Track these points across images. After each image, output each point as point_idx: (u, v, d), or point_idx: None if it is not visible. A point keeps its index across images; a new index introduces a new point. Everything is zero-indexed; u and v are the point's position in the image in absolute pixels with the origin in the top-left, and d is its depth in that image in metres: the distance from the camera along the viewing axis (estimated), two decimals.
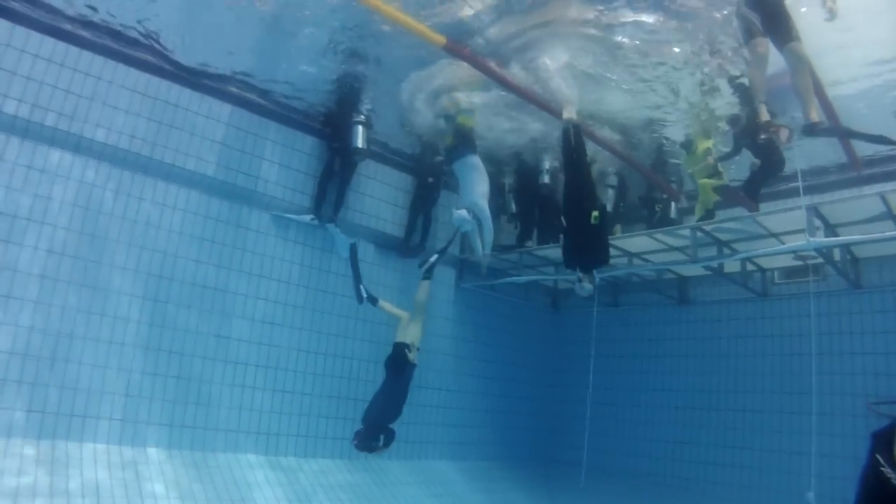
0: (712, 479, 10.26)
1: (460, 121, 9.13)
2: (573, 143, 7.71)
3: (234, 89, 8.50)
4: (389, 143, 10.13)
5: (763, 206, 8.71)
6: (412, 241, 10.08)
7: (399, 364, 7.87)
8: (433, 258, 8.66)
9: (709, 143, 9.11)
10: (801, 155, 8.01)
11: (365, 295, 8.57)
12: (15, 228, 6.75)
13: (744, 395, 10.27)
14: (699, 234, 8.53)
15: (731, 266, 9.81)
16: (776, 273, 10.44)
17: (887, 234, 7.51)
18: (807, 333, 9.53)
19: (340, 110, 9.06)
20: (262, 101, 8.77)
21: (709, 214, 9.21)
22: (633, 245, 9.50)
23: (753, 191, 8.66)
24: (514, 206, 11.11)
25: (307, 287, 9.05)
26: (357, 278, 8.74)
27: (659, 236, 8.99)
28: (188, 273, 7.95)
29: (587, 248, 7.23)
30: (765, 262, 10.02)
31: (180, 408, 7.68)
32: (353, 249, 8.96)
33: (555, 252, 10.23)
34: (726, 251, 8.98)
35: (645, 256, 9.88)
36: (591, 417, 9.64)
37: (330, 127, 9.08)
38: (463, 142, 9.01)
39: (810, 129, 6.38)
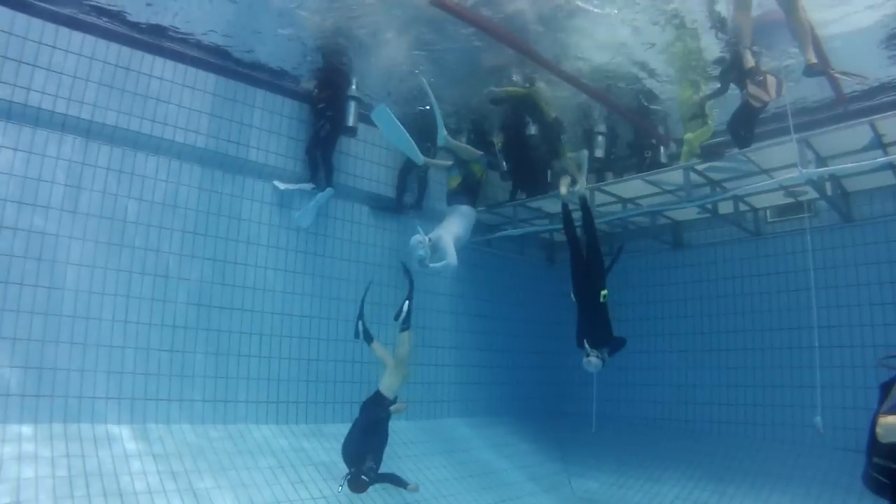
0: (717, 418, 10.45)
1: (473, 168, 9.33)
2: (586, 221, 8.24)
3: (214, 59, 8.39)
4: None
5: (754, 146, 8.74)
6: (405, 201, 10.11)
7: (372, 410, 7.60)
8: (405, 307, 8.31)
9: (692, 90, 9.09)
10: (788, 93, 8.01)
11: (361, 331, 8.38)
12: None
13: (744, 334, 10.42)
14: (692, 174, 8.58)
15: (724, 207, 9.89)
16: (768, 212, 10.55)
17: (878, 160, 7.60)
18: (802, 269, 9.67)
19: (334, 78, 9.03)
20: (245, 70, 8.66)
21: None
22: (627, 190, 9.55)
23: (740, 136, 8.62)
24: (504, 164, 11.11)
25: (305, 252, 9.06)
26: (360, 314, 8.55)
27: (652, 178, 9.03)
28: (186, 246, 7.93)
29: (597, 325, 7.59)
30: (757, 202, 10.11)
31: (185, 382, 7.72)
32: (366, 289, 8.91)
33: (548, 203, 10.31)
34: (719, 191, 9.03)
35: (638, 202, 9.93)
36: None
37: (325, 93, 8.98)
38: (466, 191, 9.20)
39: (809, 71, 6.41)
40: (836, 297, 9.44)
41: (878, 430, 4.01)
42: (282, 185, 8.77)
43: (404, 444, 7.66)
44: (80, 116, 7.15)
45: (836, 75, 7.48)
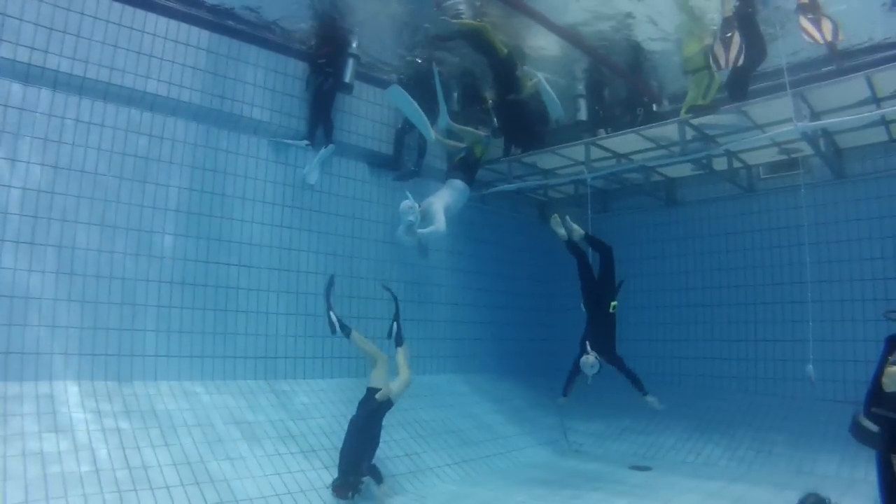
0: (710, 372, 10.66)
1: (474, 148, 9.32)
2: (594, 247, 8.39)
3: (209, 16, 8.30)
4: (378, 61, 10.04)
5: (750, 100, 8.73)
6: (402, 159, 10.16)
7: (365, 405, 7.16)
8: (394, 327, 8.06)
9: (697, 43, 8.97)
10: (783, 45, 8.02)
11: (337, 325, 7.77)
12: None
13: (736, 290, 10.57)
14: (687, 128, 8.60)
15: (718, 164, 9.94)
16: (761, 169, 10.60)
17: (874, 112, 7.64)
18: (794, 225, 9.79)
19: (334, 34, 9.00)
20: (239, 26, 8.57)
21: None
22: (622, 145, 9.56)
23: (737, 87, 8.60)
24: (495, 121, 11.12)
25: (301, 209, 9.07)
26: (329, 306, 7.99)
27: (647, 133, 9.04)
28: (182, 202, 7.92)
29: (603, 334, 7.89)
30: (750, 159, 10.15)
31: (172, 337, 7.74)
32: (330, 281, 8.32)
33: (541, 159, 10.33)
34: (713, 146, 9.06)
35: (633, 157, 9.95)
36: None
37: (325, 49, 9.00)
38: (464, 168, 9.18)
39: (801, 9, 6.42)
40: (828, 252, 9.56)
41: (885, 379, 4.16)
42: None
43: (404, 398, 7.70)
44: (72, 73, 7.08)
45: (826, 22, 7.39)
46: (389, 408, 7.22)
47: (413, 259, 8.96)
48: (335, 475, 6.69)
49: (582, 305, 8.26)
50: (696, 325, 10.95)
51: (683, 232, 11.38)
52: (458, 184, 8.93)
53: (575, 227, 8.40)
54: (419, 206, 8.09)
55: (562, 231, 8.43)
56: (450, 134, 9.81)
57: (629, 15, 8.64)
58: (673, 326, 11.27)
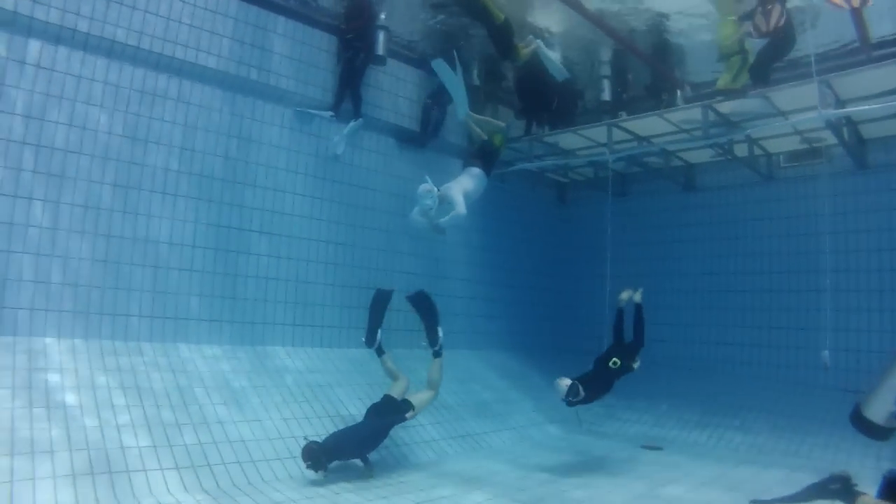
0: (723, 358, 10.72)
1: (493, 138, 8.91)
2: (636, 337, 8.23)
3: None
4: (404, 39, 10.14)
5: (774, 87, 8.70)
6: (427, 133, 10.24)
7: (388, 416, 6.87)
8: (440, 333, 7.67)
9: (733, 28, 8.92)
10: (812, 36, 7.98)
11: (377, 342, 7.50)
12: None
13: (752, 277, 10.58)
14: (710, 112, 8.60)
15: (739, 151, 9.94)
16: (782, 157, 10.58)
17: None
18: (813, 214, 9.78)
19: (361, 8, 9.02)
20: None
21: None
22: (643, 128, 9.58)
23: (762, 71, 8.58)
24: (518, 102, 11.16)
25: (324, 179, 9.16)
26: (379, 322, 7.63)
27: (669, 116, 9.05)
28: (206, 167, 8.00)
29: (601, 386, 7.51)
30: (771, 146, 10.16)
31: (216, 301, 7.91)
32: (387, 296, 7.91)
33: (562, 139, 10.36)
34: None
35: (654, 141, 9.97)
36: (607, 306, 9.96)
37: (354, 24, 9.01)
38: (484, 157, 8.71)
39: None
40: (846, 242, 9.54)
41: None
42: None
43: (421, 372, 7.76)
44: (102, 36, 7.13)
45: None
46: (403, 421, 7.01)
47: (430, 234, 8.98)
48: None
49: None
50: (711, 311, 10.99)
51: (701, 217, 11.38)
52: (478, 171, 8.53)
53: (636, 295, 8.39)
54: (438, 190, 7.77)
55: (625, 296, 8.40)
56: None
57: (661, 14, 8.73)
58: (688, 311, 11.31)
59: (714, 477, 7.21)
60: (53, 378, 6.11)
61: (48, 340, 6.51)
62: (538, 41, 9.05)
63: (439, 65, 8.43)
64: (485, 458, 7.92)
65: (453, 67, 8.35)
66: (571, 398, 7.15)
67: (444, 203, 7.70)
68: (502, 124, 9.41)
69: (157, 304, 7.44)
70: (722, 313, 10.89)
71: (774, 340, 10.20)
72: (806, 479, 5.15)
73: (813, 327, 9.39)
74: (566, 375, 7.32)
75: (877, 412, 4.42)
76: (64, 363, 6.33)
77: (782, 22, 7.69)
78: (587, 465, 7.78)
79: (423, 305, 7.83)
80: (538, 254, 12.56)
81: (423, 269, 9.85)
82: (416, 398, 7.16)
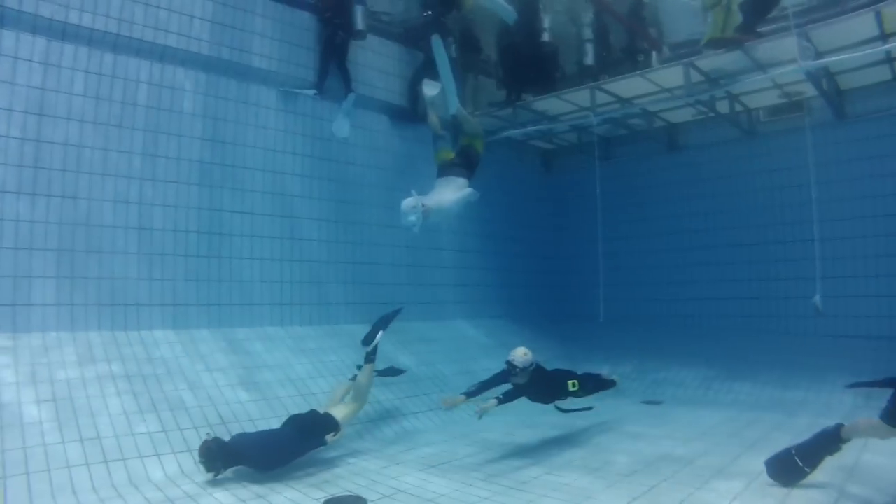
0: (716, 312, 10.89)
1: (475, 143, 8.34)
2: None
3: None
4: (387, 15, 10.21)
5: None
6: (419, 109, 10.06)
7: (308, 434, 6.10)
8: (377, 336, 7.24)
9: None
10: None
11: (373, 347, 7.11)
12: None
13: (739, 231, 10.72)
14: (692, 70, 8.67)
15: (720, 108, 10.03)
16: (762, 112, 10.70)
17: (882, 47, 7.70)
18: (795, 167, 9.90)
19: None
20: None
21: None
22: (626, 90, 9.64)
23: (751, 23, 8.47)
24: (501, 72, 11.20)
25: (312, 157, 9.17)
26: (382, 329, 7.37)
27: (651, 77, 9.12)
28: (194, 152, 7.98)
29: (545, 389, 6.92)
30: (751, 102, 10.28)
31: (206, 286, 7.91)
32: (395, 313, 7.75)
33: (548, 105, 10.40)
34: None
35: (635, 102, 10.04)
36: (598, 269, 10.14)
37: (329, 2, 9.01)
38: (465, 164, 8.10)
39: None
40: (829, 191, 9.67)
41: None
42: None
43: (421, 342, 7.85)
44: (80, 24, 7.06)
45: None
46: (324, 445, 6.26)
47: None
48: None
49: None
50: (701, 267, 11.15)
51: (685, 176, 11.49)
52: (462, 182, 7.94)
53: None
54: (423, 204, 7.04)
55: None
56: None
57: None
58: (675, 269, 11.47)
59: (721, 421, 7.57)
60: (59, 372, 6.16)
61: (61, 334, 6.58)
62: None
63: (437, 43, 8.33)
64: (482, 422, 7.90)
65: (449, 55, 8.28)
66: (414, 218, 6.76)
67: (430, 217, 7.19)
68: (481, 128, 8.87)
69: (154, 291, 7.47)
70: (710, 269, 11.05)
71: (763, 292, 10.37)
72: (805, 423, 5.27)
73: (801, 277, 9.54)
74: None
75: None
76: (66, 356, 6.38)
77: None
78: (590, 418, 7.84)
79: (387, 316, 7.63)
80: (528, 221, 12.69)
81: (416, 241, 9.86)
82: (341, 413, 6.46)
